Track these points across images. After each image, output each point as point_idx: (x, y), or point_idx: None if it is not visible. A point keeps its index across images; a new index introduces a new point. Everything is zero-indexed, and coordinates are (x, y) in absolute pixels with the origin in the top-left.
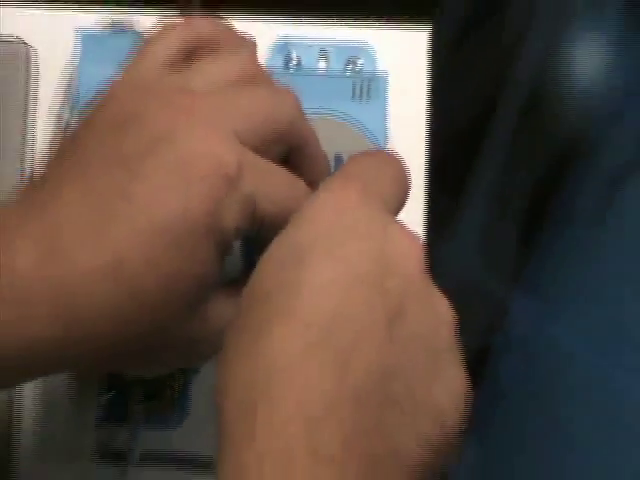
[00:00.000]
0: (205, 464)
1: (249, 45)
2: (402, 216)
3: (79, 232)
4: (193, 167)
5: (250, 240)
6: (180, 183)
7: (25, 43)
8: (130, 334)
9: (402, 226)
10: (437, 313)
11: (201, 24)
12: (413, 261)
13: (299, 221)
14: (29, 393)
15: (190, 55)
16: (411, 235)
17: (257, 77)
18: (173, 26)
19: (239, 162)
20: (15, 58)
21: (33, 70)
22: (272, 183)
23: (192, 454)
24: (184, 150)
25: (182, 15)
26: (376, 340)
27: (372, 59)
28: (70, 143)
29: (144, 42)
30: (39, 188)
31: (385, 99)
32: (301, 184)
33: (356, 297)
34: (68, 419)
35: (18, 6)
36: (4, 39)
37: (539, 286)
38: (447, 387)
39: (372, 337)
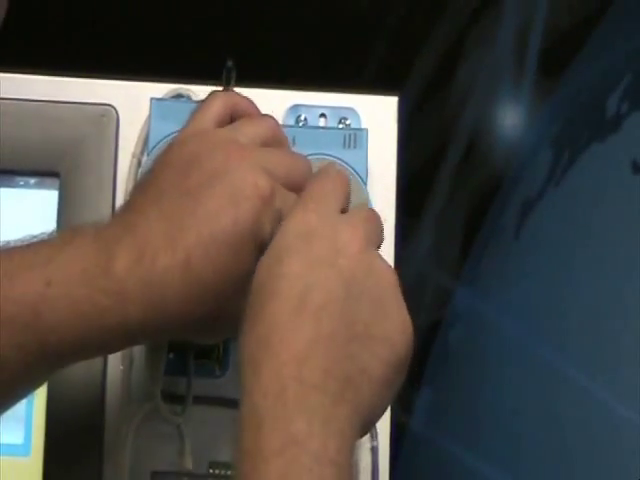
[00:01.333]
0: (238, 404)
1: (270, 116)
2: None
3: (159, 242)
4: (240, 192)
5: None
6: (231, 203)
7: (112, 107)
8: (196, 312)
9: (348, 221)
10: (380, 275)
11: (235, 96)
12: (357, 242)
13: (279, 233)
14: (116, 355)
15: (229, 117)
16: (353, 225)
17: (281, 140)
18: (217, 96)
19: (272, 188)
20: (106, 118)
21: (117, 127)
22: (291, 203)
23: (231, 397)
24: (233, 181)
25: (225, 89)
26: (338, 299)
27: (357, 118)
28: (148, 177)
29: (198, 106)
30: (128, 211)
31: (366, 147)
32: None
33: (319, 275)
34: (144, 372)
35: (108, 79)
36: (97, 103)
37: (474, 278)
38: (395, 326)
39: (334, 298)
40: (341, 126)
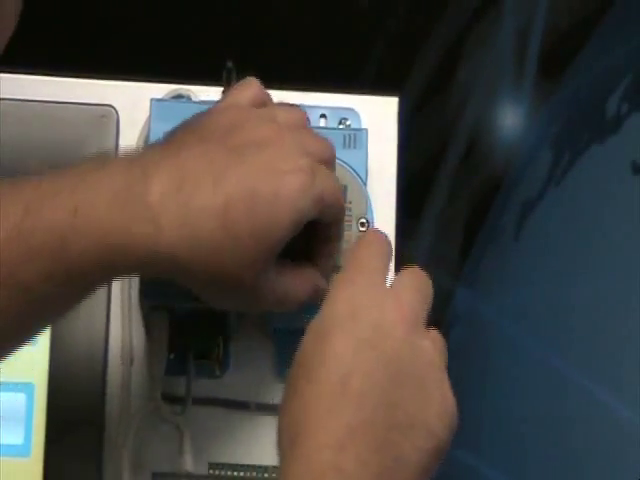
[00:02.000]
0: (239, 404)
1: (298, 106)
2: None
3: (200, 179)
4: (284, 166)
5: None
6: (274, 174)
7: (113, 107)
8: (224, 266)
9: (395, 296)
10: (425, 357)
11: (259, 86)
12: (403, 324)
13: (327, 305)
14: (117, 352)
15: (263, 102)
16: (399, 301)
17: (309, 127)
18: (253, 80)
19: (312, 168)
20: (106, 118)
21: (117, 128)
22: (332, 184)
23: (230, 398)
24: (277, 155)
25: (226, 89)
26: (380, 385)
27: (357, 119)
28: (189, 124)
29: (234, 86)
30: (168, 142)
31: (366, 148)
32: (340, 187)
33: (362, 358)
34: (144, 373)
35: (108, 79)
36: (97, 104)
37: (474, 279)
38: (437, 411)
39: (376, 383)
40: (341, 126)
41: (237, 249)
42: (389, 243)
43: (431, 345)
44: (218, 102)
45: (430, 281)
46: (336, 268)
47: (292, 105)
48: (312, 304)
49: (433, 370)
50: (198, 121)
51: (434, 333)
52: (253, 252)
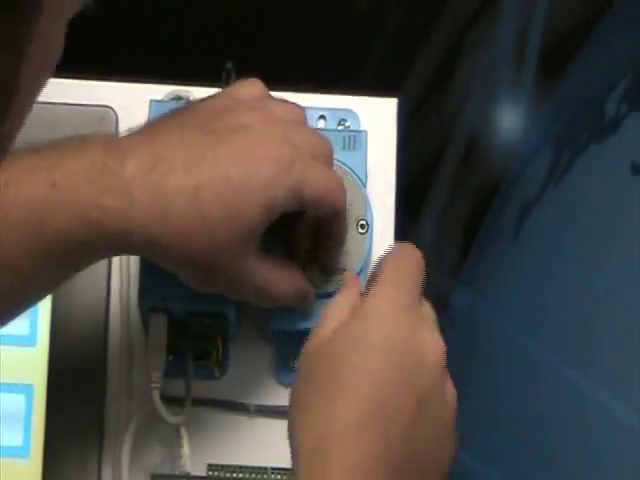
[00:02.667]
0: (238, 406)
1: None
2: (377, 234)
3: (175, 162)
4: (260, 151)
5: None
6: (249, 159)
7: (111, 109)
8: (194, 247)
9: (432, 335)
10: (448, 401)
11: (261, 85)
12: (437, 359)
13: (358, 318)
14: (116, 352)
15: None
16: (436, 337)
17: (306, 123)
18: (256, 80)
19: (291, 156)
20: (103, 120)
21: (116, 129)
22: (319, 178)
23: (230, 399)
24: (256, 139)
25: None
26: (408, 415)
27: (356, 120)
28: (174, 111)
29: (235, 83)
30: (147, 129)
31: (366, 149)
32: (339, 180)
33: (397, 388)
34: (143, 373)
35: (106, 80)
36: (96, 105)
37: (473, 279)
38: (449, 449)
39: (406, 412)
40: (340, 128)
41: (208, 231)
42: (423, 259)
43: (454, 392)
44: (216, 94)
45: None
46: (339, 270)
47: (292, 102)
48: (305, 308)
49: (451, 416)
50: (187, 106)
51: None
52: (224, 234)
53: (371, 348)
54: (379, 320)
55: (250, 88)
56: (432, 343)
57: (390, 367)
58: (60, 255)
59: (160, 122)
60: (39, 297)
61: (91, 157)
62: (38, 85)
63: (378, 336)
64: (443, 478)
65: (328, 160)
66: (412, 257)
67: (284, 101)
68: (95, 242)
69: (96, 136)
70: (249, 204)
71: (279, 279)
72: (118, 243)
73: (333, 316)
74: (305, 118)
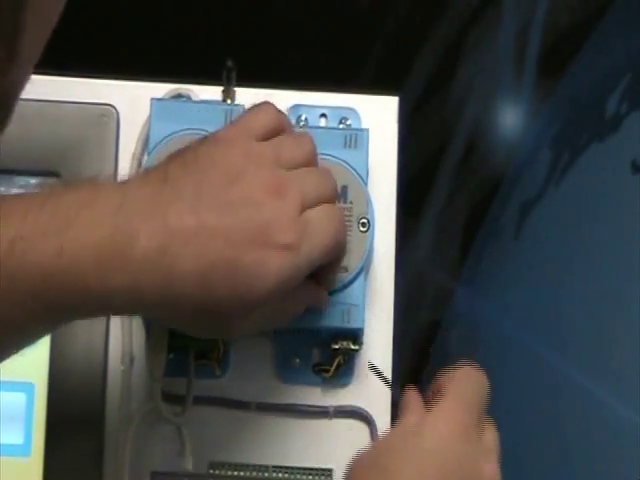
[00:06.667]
0: (239, 404)
1: (307, 135)
2: (378, 232)
3: (188, 242)
4: (270, 237)
5: None
6: (259, 245)
7: (113, 107)
8: (201, 319)
9: (489, 459)
10: None
11: (279, 111)
12: None
13: (420, 436)
14: (117, 352)
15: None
16: (493, 469)
17: (316, 159)
18: (270, 106)
19: (299, 238)
20: (106, 118)
21: (117, 127)
22: (324, 237)
23: (230, 397)
24: (268, 218)
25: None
26: None
27: (358, 119)
28: (189, 156)
29: (248, 110)
30: (160, 187)
31: (367, 148)
32: (343, 230)
33: None
34: (144, 373)
35: (107, 78)
36: (97, 103)
37: (474, 279)
38: None
39: None
40: (342, 126)
41: (216, 306)
42: (487, 382)
43: None
44: (231, 124)
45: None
46: (342, 268)
47: (302, 137)
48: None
49: None
50: (196, 154)
51: None
52: (233, 311)
53: (427, 465)
54: (435, 436)
55: (264, 117)
56: (489, 475)
57: None
58: (63, 318)
59: (172, 174)
60: (22, 347)
61: (100, 228)
62: (44, 27)
63: (435, 455)
64: None
65: (332, 199)
66: (478, 377)
67: (294, 138)
68: (99, 313)
69: (106, 189)
70: (259, 289)
71: (291, 305)
72: (123, 314)
73: (395, 431)
74: (316, 156)
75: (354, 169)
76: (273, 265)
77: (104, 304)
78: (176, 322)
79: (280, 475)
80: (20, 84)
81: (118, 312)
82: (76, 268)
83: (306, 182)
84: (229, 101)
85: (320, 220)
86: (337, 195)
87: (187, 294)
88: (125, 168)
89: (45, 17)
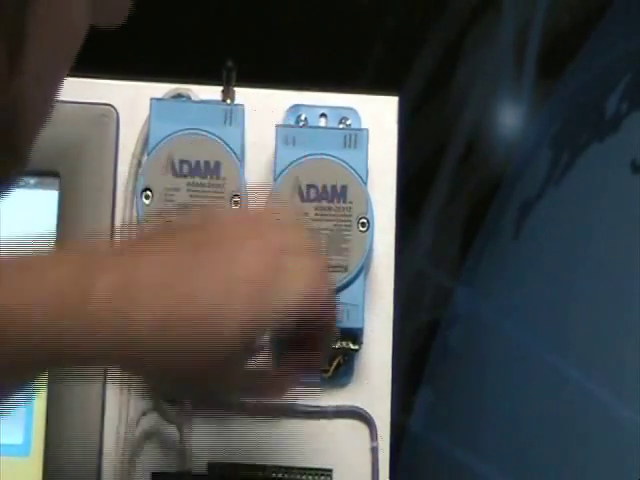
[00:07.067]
0: (238, 405)
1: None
2: (377, 232)
3: (150, 285)
4: (239, 272)
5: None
6: (225, 278)
7: (112, 107)
8: (163, 367)
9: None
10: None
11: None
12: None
13: None
14: None
15: None
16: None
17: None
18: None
19: (273, 277)
20: (106, 118)
21: (117, 127)
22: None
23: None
24: (234, 257)
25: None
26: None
27: (357, 119)
28: (170, 232)
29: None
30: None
31: (366, 147)
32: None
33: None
34: None
35: (107, 78)
36: (97, 103)
37: (473, 279)
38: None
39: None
40: (341, 126)
41: (179, 357)
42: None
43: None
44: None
45: None
46: (342, 268)
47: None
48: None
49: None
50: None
51: None
52: (197, 364)
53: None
54: None
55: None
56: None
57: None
58: (20, 370)
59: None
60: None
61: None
62: (52, 43)
63: None
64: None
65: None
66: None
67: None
68: (53, 365)
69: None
70: (221, 346)
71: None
72: (82, 364)
73: None
74: (326, 267)
75: (354, 169)
76: (237, 316)
77: (60, 362)
78: (137, 374)
79: (279, 475)
80: (30, 104)
81: (76, 364)
82: (31, 325)
83: (287, 234)
84: (229, 101)
85: (296, 266)
86: (324, 252)
87: (145, 343)
88: (125, 168)
89: (52, 31)
